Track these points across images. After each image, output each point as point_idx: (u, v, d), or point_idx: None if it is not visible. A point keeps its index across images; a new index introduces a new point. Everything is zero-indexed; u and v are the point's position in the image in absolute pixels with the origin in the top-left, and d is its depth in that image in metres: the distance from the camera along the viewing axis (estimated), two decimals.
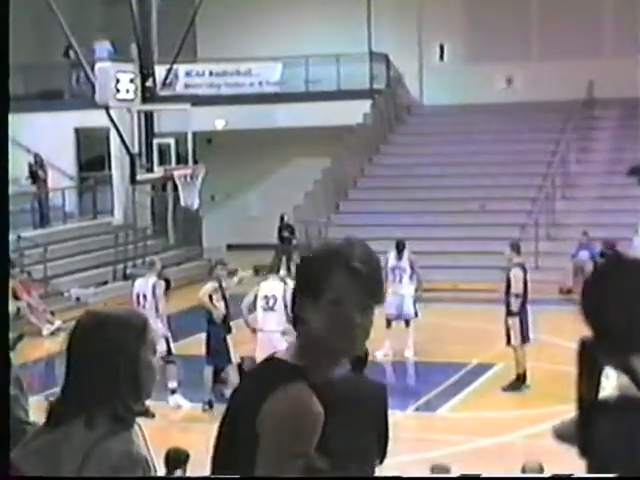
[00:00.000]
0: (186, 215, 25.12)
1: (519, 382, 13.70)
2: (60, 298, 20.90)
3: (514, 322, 13.47)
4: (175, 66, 21.35)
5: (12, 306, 18.48)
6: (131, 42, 21.06)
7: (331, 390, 7.91)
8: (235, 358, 13.03)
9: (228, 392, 13.09)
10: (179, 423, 13.06)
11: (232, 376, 12.84)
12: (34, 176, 23.87)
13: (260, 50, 25.69)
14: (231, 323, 13.30)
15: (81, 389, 2.66)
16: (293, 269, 20.70)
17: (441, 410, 13.16)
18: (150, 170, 18.70)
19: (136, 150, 19.06)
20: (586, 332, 1.83)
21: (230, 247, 27.19)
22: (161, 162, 18.55)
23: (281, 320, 12.69)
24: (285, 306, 12.72)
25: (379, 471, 8.26)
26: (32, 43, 26.03)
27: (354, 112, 25.12)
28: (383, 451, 8.05)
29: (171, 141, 18.73)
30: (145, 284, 13.51)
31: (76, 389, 2.66)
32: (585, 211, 22.31)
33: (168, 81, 21.01)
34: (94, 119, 21.15)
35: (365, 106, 25.80)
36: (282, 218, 24.08)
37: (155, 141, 18.87)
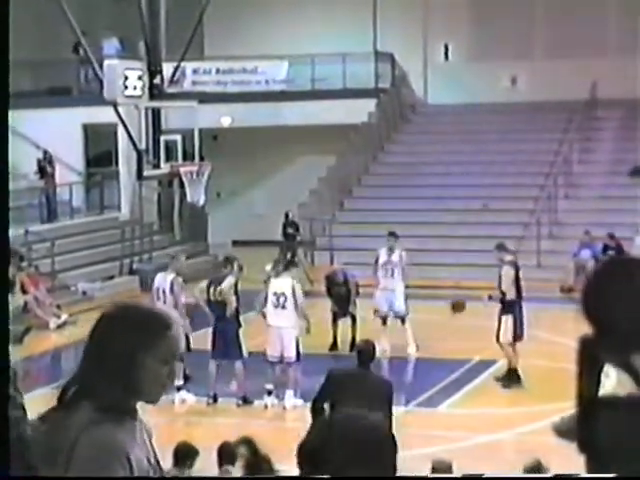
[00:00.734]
0: (192, 211, 25.19)
1: (513, 377, 13.76)
2: (67, 292, 21.04)
3: (507, 319, 13.58)
4: (182, 64, 21.44)
5: (20, 300, 18.66)
6: (139, 40, 21.22)
7: (337, 383, 8.16)
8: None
9: (234, 387, 13.31)
10: (184, 417, 13.19)
11: (240, 371, 13.03)
12: (42, 171, 23.97)
13: (266, 48, 25.82)
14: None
15: (82, 375, 2.70)
16: (298, 265, 20.96)
17: (442, 406, 13.24)
18: (157, 166, 18.81)
19: (143, 146, 19.19)
20: (587, 330, 1.85)
21: (235, 243, 27.34)
22: (168, 158, 18.66)
23: (291, 316, 12.93)
24: (295, 303, 12.97)
25: None
26: (41, 40, 26.19)
27: (359, 111, 25.26)
28: None
29: (178, 138, 18.83)
30: (164, 280, 13.56)
31: (78, 374, 2.71)
32: (587, 210, 22.42)
33: (175, 78, 21.13)
34: (102, 115, 21.24)
35: (370, 105, 25.92)
36: (287, 215, 24.14)
37: (162, 138, 18.99)
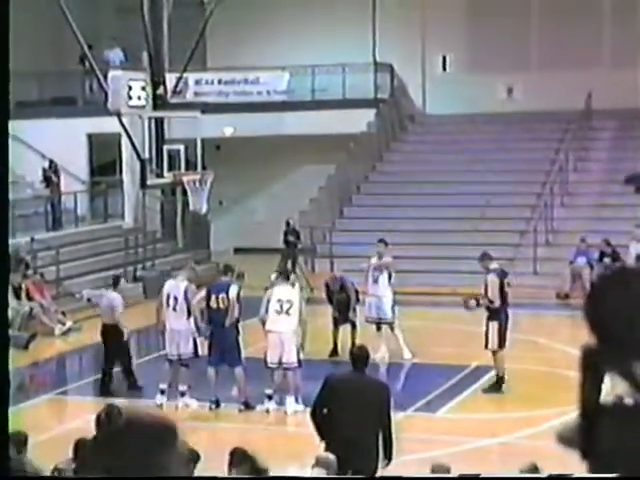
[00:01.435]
0: (195, 219, 25.34)
1: (499, 384, 13.90)
2: (71, 299, 21.15)
3: (493, 326, 13.70)
4: (185, 74, 21.70)
5: (25, 307, 18.87)
6: (143, 51, 21.52)
7: (335, 388, 8.49)
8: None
9: (235, 392, 13.51)
10: (186, 422, 13.36)
11: (241, 376, 13.17)
12: (48, 180, 24.08)
13: (268, 60, 26.00)
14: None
15: None
16: (298, 273, 21.23)
17: (441, 411, 13.35)
18: (160, 175, 19.04)
19: (147, 156, 19.45)
20: (584, 337, 1.87)
21: (237, 251, 27.59)
22: (171, 168, 18.86)
23: (293, 323, 13.01)
24: (300, 311, 13.08)
25: (379, 470, 8.64)
26: (47, 51, 26.48)
27: (359, 120, 25.43)
28: (389, 449, 8.44)
29: (181, 147, 19.02)
30: (176, 287, 13.56)
31: None
32: (583, 218, 22.62)
33: (178, 89, 21.40)
34: (106, 125, 21.44)
35: (369, 115, 26.12)
36: (288, 223, 24.25)
37: (165, 147, 19.21)
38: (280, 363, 13.04)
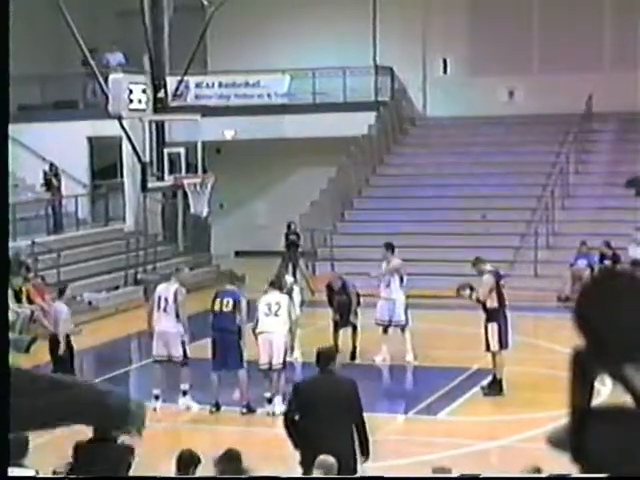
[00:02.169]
0: (195, 222, 25.40)
1: (498, 386, 13.88)
2: (72, 302, 21.22)
3: (492, 328, 13.69)
4: (186, 78, 21.73)
5: (26, 310, 18.89)
6: (144, 54, 21.57)
7: (304, 394, 8.41)
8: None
9: (237, 395, 13.54)
10: (187, 424, 13.29)
11: (243, 380, 13.19)
12: (48, 183, 24.11)
13: (268, 63, 26.01)
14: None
15: None
16: (299, 276, 21.23)
17: (442, 413, 13.33)
18: (161, 178, 19.10)
19: (147, 159, 19.53)
20: (581, 341, 1.86)
21: (238, 254, 27.63)
22: (171, 171, 18.92)
23: (281, 322, 13.13)
24: (288, 313, 13.21)
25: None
26: (48, 55, 26.51)
27: (359, 123, 25.48)
28: (365, 444, 8.43)
29: (181, 150, 19.08)
30: (167, 289, 13.70)
31: None
32: (583, 221, 22.62)
33: (179, 92, 21.41)
34: (107, 128, 21.54)
35: (370, 118, 26.15)
36: (289, 226, 24.21)
37: (166, 150, 19.28)
38: (270, 364, 13.13)
